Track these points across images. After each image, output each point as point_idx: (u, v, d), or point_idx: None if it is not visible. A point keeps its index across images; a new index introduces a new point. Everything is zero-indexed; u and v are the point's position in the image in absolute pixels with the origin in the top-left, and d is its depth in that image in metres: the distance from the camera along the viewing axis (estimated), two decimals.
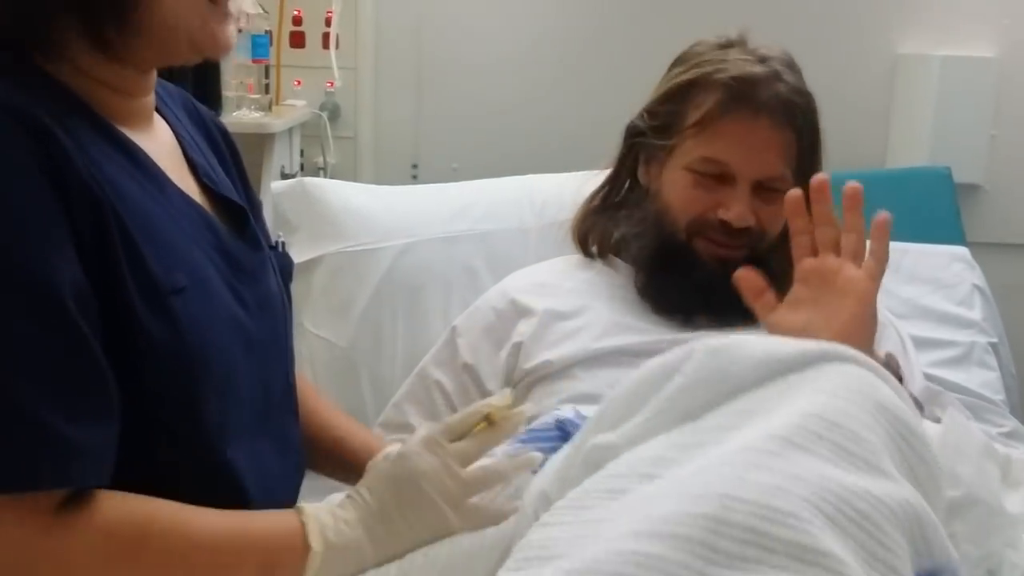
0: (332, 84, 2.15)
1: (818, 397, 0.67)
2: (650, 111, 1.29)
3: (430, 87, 2.20)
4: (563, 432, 0.91)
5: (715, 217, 1.22)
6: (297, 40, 2.17)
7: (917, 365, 1.34)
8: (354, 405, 1.52)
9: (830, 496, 0.61)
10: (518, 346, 1.27)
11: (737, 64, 1.22)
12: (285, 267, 1.03)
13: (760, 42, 1.29)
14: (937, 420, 0.87)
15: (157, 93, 0.91)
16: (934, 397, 1.27)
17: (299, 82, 2.17)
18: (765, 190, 1.22)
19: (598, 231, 1.36)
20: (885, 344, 1.32)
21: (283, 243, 1.07)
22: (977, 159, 2.06)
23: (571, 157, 1.40)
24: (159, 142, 0.89)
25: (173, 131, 0.93)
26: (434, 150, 2.23)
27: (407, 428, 1.27)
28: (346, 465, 1.05)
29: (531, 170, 1.73)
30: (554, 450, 0.86)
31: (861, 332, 1.01)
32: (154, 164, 0.85)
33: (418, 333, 1.54)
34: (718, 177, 1.22)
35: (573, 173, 1.57)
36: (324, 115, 2.15)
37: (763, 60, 1.23)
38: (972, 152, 2.05)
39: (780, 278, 1.14)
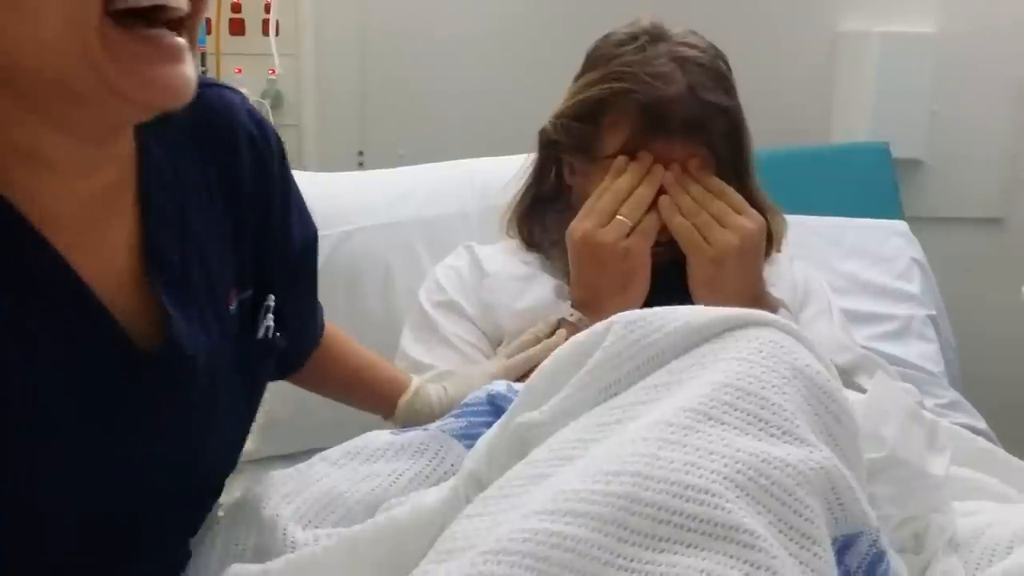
0: (274, 72, 2.12)
1: (732, 365, 0.67)
2: (564, 125, 1.28)
3: (375, 73, 2.18)
4: (495, 407, 0.91)
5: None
6: (236, 27, 2.13)
7: (844, 330, 1.36)
8: (295, 395, 1.50)
9: (743, 467, 0.60)
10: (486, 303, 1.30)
11: (649, 84, 1.19)
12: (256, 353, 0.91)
13: (681, 25, 1.26)
14: (864, 390, 0.87)
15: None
16: (869, 365, 1.28)
17: (240, 70, 2.13)
18: None
19: (526, 233, 1.37)
20: (811, 307, 1.33)
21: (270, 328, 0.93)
22: (918, 134, 2.07)
23: (520, 140, 1.39)
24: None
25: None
26: (380, 137, 2.21)
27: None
28: (376, 399, 1.14)
29: (482, 154, 1.72)
30: (487, 425, 0.86)
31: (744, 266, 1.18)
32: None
33: (359, 319, 1.53)
34: None
35: (515, 156, 1.56)
36: (266, 103, 2.12)
37: (681, 62, 1.20)
38: (913, 127, 2.07)
39: None
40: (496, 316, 1.29)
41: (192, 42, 0.69)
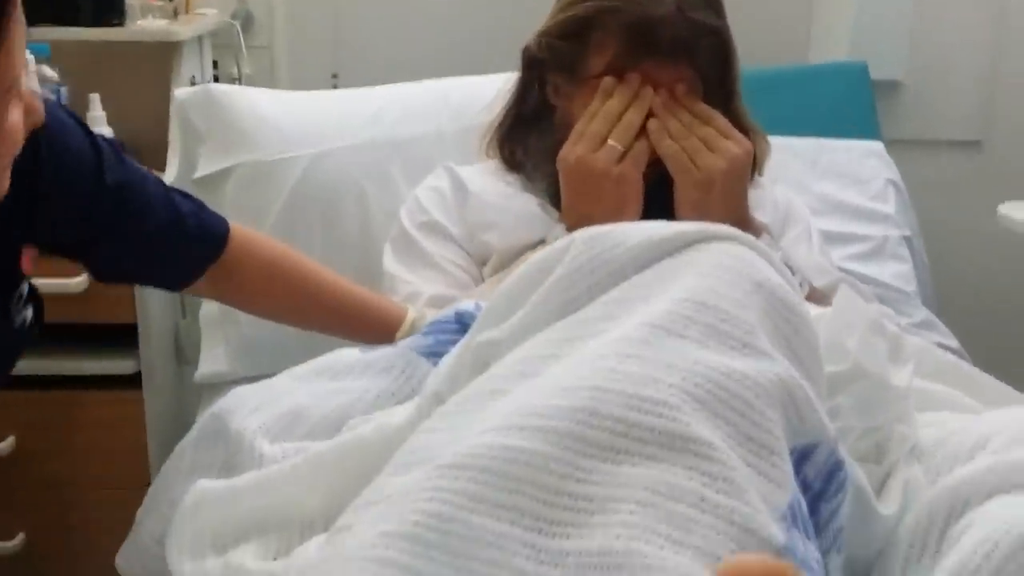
0: None
1: (691, 280, 0.67)
2: (549, 44, 1.25)
3: None
4: (462, 325, 0.91)
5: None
6: None
7: (823, 254, 1.36)
8: None
9: (701, 380, 0.61)
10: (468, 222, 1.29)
11: (637, 2, 1.17)
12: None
13: None
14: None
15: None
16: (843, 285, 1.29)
17: None
18: None
19: (508, 154, 1.35)
20: (792, 230, 1.34)
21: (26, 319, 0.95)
22: (897, 55, 2.05)
23: (495, 59, 1.37)
24: None
25: None
26: (355, 58, 2.17)
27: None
28: (371, 332, 1.12)
29: (457, 74, 1.69)
30: (454, 343, 0.86)
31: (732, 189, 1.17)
32: None
33: (334, 242, 1.52)
34: None
35: (491, 76, 1.54)
36: (236, 23, 2.08)
37: None
38: (892, 48, 2.04)
39: None
40: (483, 236, 1.28)
41: None
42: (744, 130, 1.26)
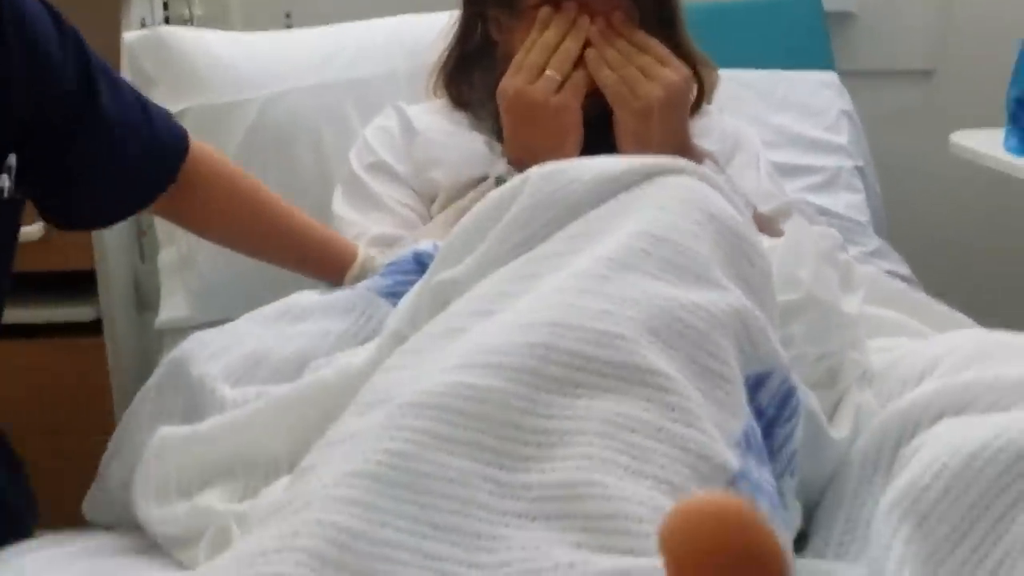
0: None
1: (647, 213, 0.68)
2: None
3: None
4: (420, 265, 0.92)
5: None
6: None
7: (770, 179, 1.38)
8: (228, 261, 1.48)
9: (657, 311, 0.62)
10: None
11: None
12: None
13: None
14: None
15: None
16: (793, 211, 1.31)
17: None
18: None
19: (454, 92, 1.35)
20: (739, 157, 1.35)
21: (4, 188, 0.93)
22: None
23: None
24: None
25: None
26: None
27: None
28: (322, 267, 1.13)
29: (410, 10, 1.67)
30: (413, 284, 0.86)
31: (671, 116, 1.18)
32: None
33: (290, 182, 1.51)
34: None
35: (443, 13, 1.53)
36: None
37: None
38: None
39: None
40: (429, 174, 1.28)
41: None
42: (689, 59, 1.27)
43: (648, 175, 0.72)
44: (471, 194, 1.22)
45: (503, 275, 0.69)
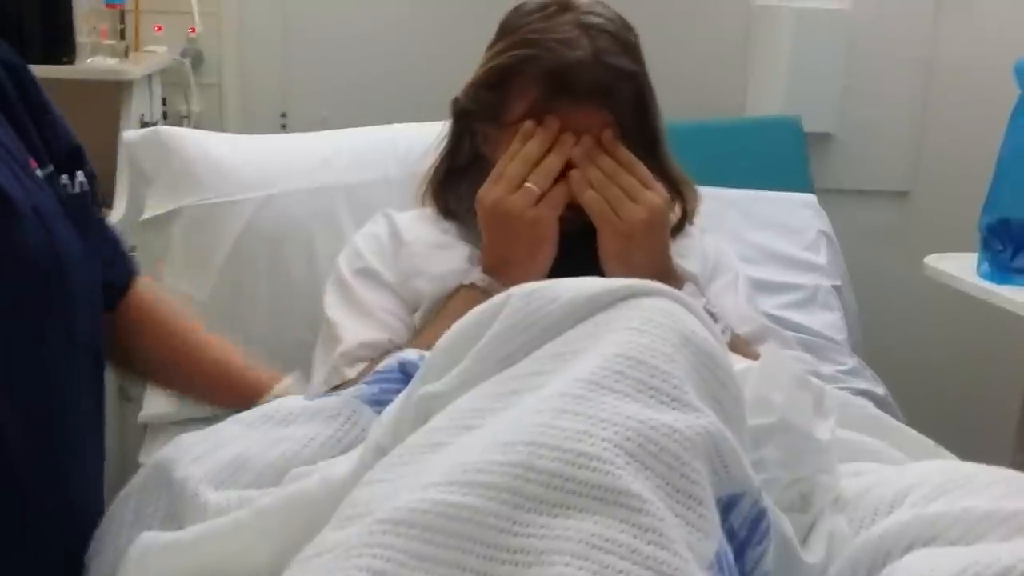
0: (194, 30, 2.10)
1: (623, 335, 0.70)
2: (475, 94, 1.31)
3: (297, 33, 2.16)
4: (405, 375, 0.93)
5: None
6: None
7: (748, 302, 1.41)
8: None
9: (632, 434, 0.64)
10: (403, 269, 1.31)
11: (554, 50, 1.21)
12: (76, 208, 0.96)
13: None
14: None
15: None
16: (769, 336, 1.34)
17: (159, 27, 2.10)
18: None
19: (442, 203, 1.39)
20: (720, 279, 1.38)
21: (82, 183, 0.99)
22: (829, 109, 2.13)
23: (442, 106, 1.40)
24: None
25: None
26: (304, 98, 2.19)
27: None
28: (236, 398, 1.10)
29: (407, 116, 1.73)
30: (398, 392, 0.88)
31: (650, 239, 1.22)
32: None
33: (281, 286, 1.54)
34: None
35: (438, 122, 1.57)
36: (186, 62, 2.09)
37: (586, 29, 1.22)
38: (824, 102, 2.12)
39: None
40: (414, 283, 1.31)
41: None
42: (672, 179, 1.31)
43: (625, 296, 0.75)
44: (448, 303, 1.25)
45: (484, 391, 0.71)
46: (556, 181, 1.23)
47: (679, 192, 1.34)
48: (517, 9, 1.30)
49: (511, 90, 1.26)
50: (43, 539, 0.87)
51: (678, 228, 1.35)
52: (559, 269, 1.19)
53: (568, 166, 1.24)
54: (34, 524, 0.86)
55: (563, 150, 1.23)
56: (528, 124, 1.24)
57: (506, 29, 1.30)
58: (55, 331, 0.89)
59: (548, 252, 1.23)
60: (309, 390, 1.24)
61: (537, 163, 1.23)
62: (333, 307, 1.32)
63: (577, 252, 1.23)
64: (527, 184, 1.22)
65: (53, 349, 0.88)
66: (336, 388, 1.24)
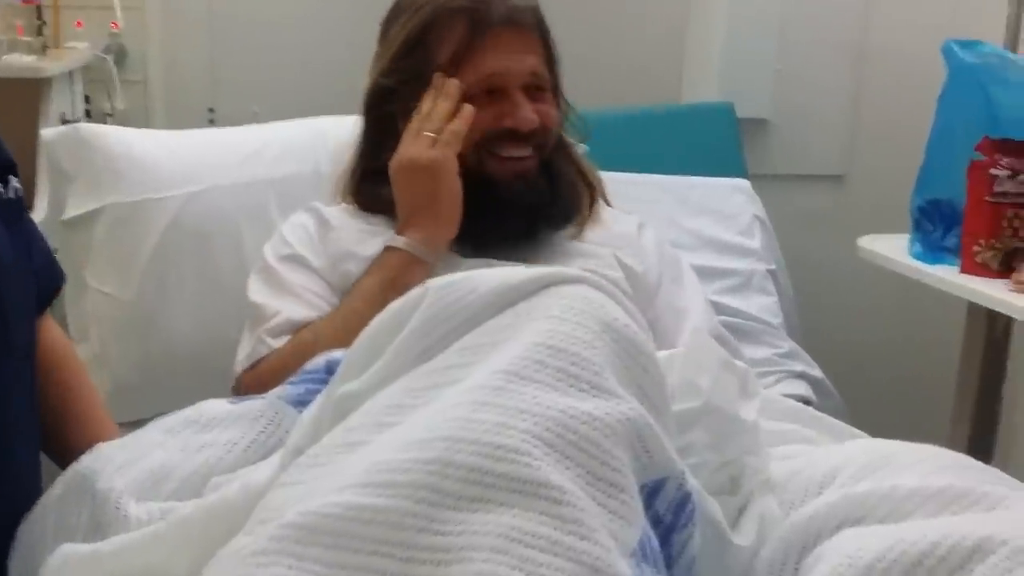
0: (116, 25, 2.05)
1: (543, 324, 0.69)
2: (392, 69, 1.30)
3: (223, 25, 2.12)
4: (332, 374, 0.91)
5: (500, 128, 1.27)
6: None
7: (697, 293, 1.41)
8: (142, 361, 1.47)
9: (551, 424, 0.62)
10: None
11: None
12: (10, 214, 0.95)
13: None
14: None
15: None
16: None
17: (80, 23, 2.05)
18: (534, 90, 1.29)
19: (367, 197, 1.36)
20: (685, 278, 1.38)
21: (16, 188, 0.98)
22: (763, 94, 2.14)
23: None
24: None
25: None
26: (232, 93, 2.16)
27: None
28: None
29: (337, 108, 1.70)
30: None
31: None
32: None
33: (208, 281, 1.50)
34: (489, 93, 1.26)
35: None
36: (109, 58, 2.05)
37: None
38: (758, 87, 2.13)
39: (563, 179, 1.32)
40: (344, 266, 1.28)
41: None
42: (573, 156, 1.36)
43: (546, 285, 0.73)
44: (370, 266, 1.23)
45: (402, 387, 0.69)
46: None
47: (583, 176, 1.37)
48: None
49: (431, 43, 1.27)
50: None
51: (591, 205, 1.37)
52: (483, 215, 1.23)
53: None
54: None
55: (451, 92, 1.24)
56: (436, 76, 1.25)
57: (403, 8, 1.31)
58: None
59: (448, 190, 1.23)
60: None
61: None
62: (257, 292, 1.30)
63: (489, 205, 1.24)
64: (424, 132, 1.23)
65: None
66: (258, 363, 1.23)
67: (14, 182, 0.97)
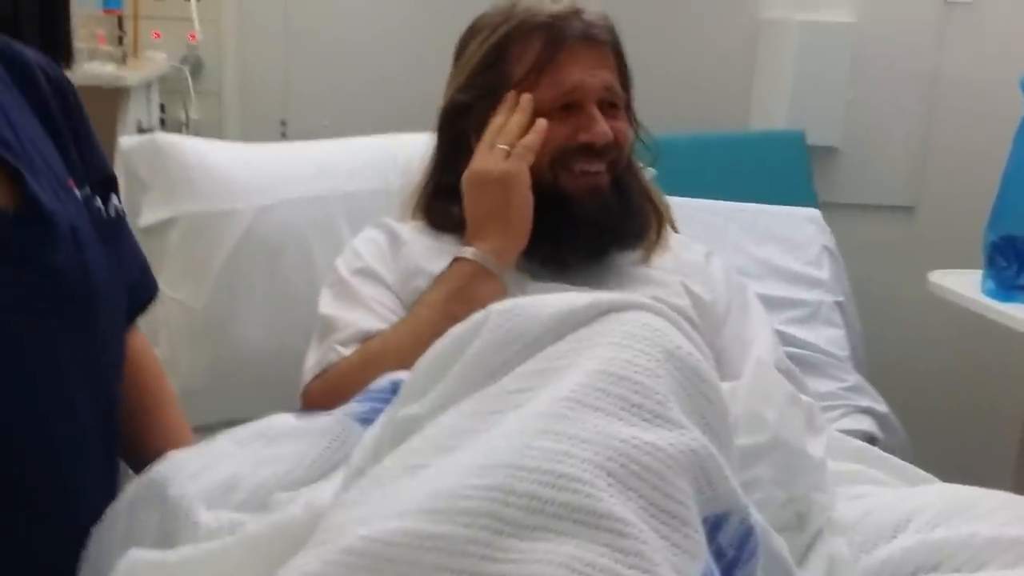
0: (194, 37, 2.09)
1: (605, 351, 0.68)
2: (469, 85, 1.31)
3: (298, 39, 2.15)
4: (397, 393, 0.91)
5: (575, 143, 1.27)
6: None
7: (764, 324, 1.39)
8: (210, 367, 1.50)
9: (614, 454, 0.62)
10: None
11: (537, 12, 1.27)
12: (110, 233, 0.95)
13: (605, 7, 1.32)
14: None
15: None
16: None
17: (158, 34, 2.10)
18: (608, 106, 1.29)
19: (438, 214, 1.36)
20: (736, 299, 1.37)
21: (118, 208, 0.99)
22: (834, 122, 2.12)
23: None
24: None
25: None
26: (304, 106, 2.19)
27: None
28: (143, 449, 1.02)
29: (408, 125, 1.72)
30: None
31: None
32: None
33: (278, 294, 1.52)
34: (565, 108, 1.26)
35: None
36: (185, 69, 2.09)
37: (572, 6, 1.29)
38: (829, 115, 2.11)
39: (634, 198, 1.31)
40: (415, 282, 1.29)
41: None
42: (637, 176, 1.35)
43: (607, 311, 0.73)
44: (438, 276, 1.23)
45: (464, 411, 0.69)
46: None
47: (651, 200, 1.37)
48: (479, 18, 1.34)
49: (509, 59, 1.28)
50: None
51: (659, 231, 1.36)
52: (551, 230, 1.23)
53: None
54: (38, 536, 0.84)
55: (525, 106, 1.24)
56: (510, 95, 1.26)
57: (478, 30, 1.32)
58: (78, 356, 0.87)
59: (520, 206, 1.22)
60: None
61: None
62: (328, 305, 1.31)
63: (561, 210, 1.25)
64: (498, 145, 1.23)
65: (74, 375, 0.86)
66: (327, 371, 1.23)
67: (115, 200, 0.97)
